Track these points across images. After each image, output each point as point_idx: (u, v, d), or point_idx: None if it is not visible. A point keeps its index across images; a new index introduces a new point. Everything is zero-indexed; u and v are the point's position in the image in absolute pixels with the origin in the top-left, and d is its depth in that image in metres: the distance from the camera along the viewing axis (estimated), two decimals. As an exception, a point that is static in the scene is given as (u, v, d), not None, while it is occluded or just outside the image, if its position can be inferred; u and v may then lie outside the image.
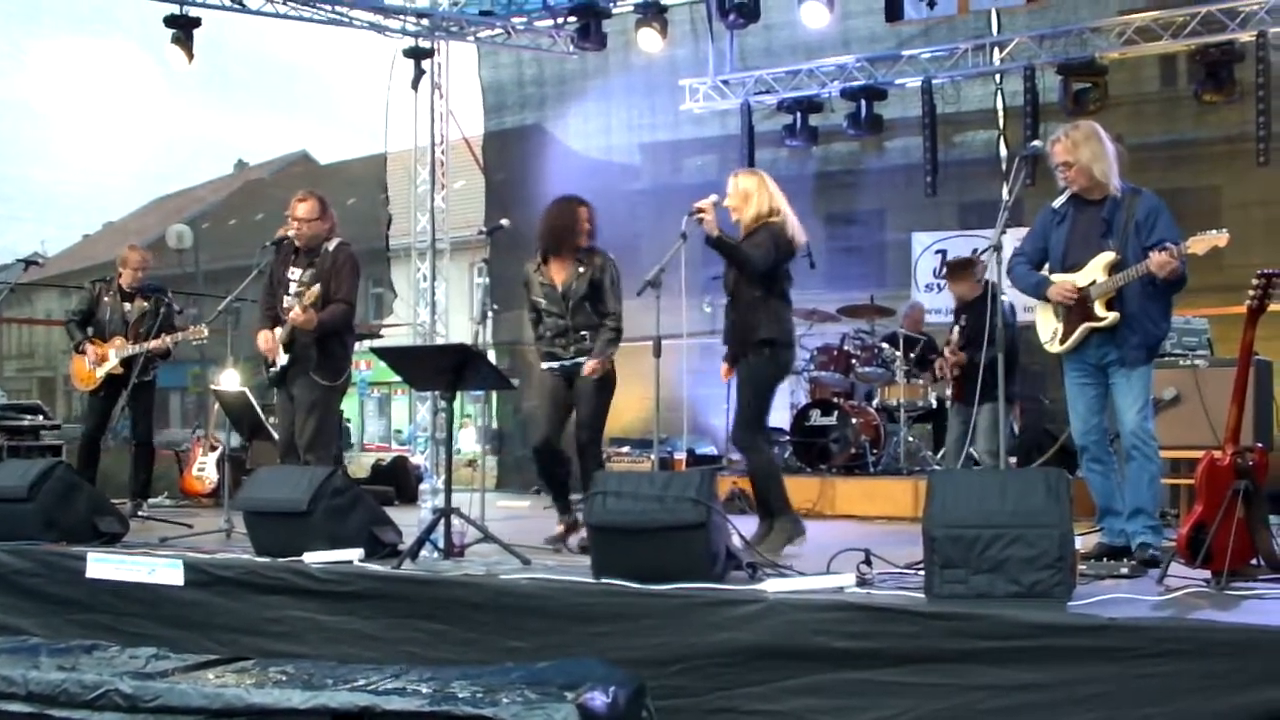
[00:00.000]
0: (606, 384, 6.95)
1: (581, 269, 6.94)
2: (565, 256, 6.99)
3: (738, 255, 6.30)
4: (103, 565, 6.41)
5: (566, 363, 6.96)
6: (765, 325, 6.29)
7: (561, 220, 7.02)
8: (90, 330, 9.04)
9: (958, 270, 9.23)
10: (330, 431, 7.59)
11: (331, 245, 7.42)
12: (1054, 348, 5.93)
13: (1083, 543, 5.35)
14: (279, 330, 7.31)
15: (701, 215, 6.21)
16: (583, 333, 6.94)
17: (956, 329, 8.90)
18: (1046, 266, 5.96)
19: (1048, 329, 5.96)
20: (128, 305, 9.02)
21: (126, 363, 8.78)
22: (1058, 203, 5.92)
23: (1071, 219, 5.86)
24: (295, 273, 7.41)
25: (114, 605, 6.35)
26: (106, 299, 9.05)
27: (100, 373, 8.88)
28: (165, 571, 6.18)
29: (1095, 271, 5.73)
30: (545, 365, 7.07)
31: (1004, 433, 6.43)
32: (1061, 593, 4.56)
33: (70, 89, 77.44)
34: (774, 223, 6.37)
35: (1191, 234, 5.57)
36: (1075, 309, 5.76)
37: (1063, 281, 5.80)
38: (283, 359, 7.28)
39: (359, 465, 12.23)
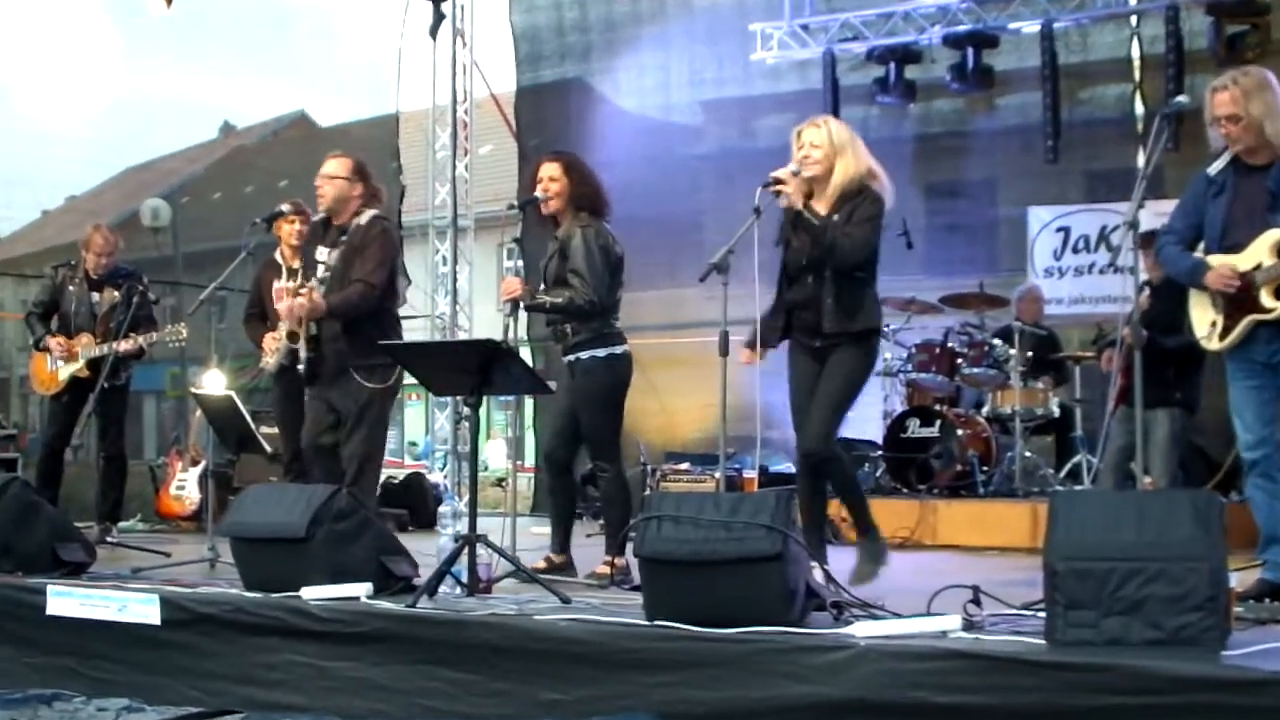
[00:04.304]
0: (613, 383, 6.96)
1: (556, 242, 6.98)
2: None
3: (828, 239, 6.13)
4: (65, 600, 6.48)
5: (568, 358, 6.99)
6: (870, 311, 6.13)
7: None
8: (54, 324, 9.13)
9: (1146, 244, 9.17)
10: (378, 446, 7.69)
11: (364, 219, 7.52)
12: (1212, 344, 5.87)
13: (1239, 580, 5.28)
14: (282, 325, 7.43)
15: (780, 187, 6.15)
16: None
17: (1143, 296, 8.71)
18: (1202, 246, 5.90)
19: (1204, 322, 5.90)
20: (96, 295, 9.10)
21: (94, 364, 8.85)
22: (1214, 169, 5.83)
23: (1232, 189, 5.78)
24: (323, 253, 7.54)
25: (78, 647, 6.41)
26: (71, 288, 9.12)
27: (64, 375, 8.96)
28: (139, 608, 6.25)
29: (1260, 253, 5.65)
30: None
31: (1140, 444, 6.37)
32: (1213, 640, 4.50)
33: (15, 45, 78.07)
34: (876, 190, 6.21)
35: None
36: (1237, 298, 5.70)
37: (1222, 264, 5.73)
38: (303, 353, 7.42)
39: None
